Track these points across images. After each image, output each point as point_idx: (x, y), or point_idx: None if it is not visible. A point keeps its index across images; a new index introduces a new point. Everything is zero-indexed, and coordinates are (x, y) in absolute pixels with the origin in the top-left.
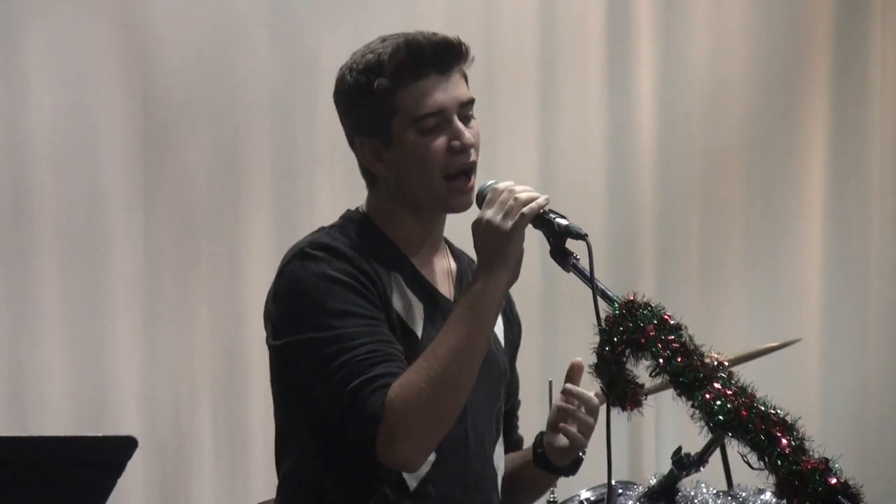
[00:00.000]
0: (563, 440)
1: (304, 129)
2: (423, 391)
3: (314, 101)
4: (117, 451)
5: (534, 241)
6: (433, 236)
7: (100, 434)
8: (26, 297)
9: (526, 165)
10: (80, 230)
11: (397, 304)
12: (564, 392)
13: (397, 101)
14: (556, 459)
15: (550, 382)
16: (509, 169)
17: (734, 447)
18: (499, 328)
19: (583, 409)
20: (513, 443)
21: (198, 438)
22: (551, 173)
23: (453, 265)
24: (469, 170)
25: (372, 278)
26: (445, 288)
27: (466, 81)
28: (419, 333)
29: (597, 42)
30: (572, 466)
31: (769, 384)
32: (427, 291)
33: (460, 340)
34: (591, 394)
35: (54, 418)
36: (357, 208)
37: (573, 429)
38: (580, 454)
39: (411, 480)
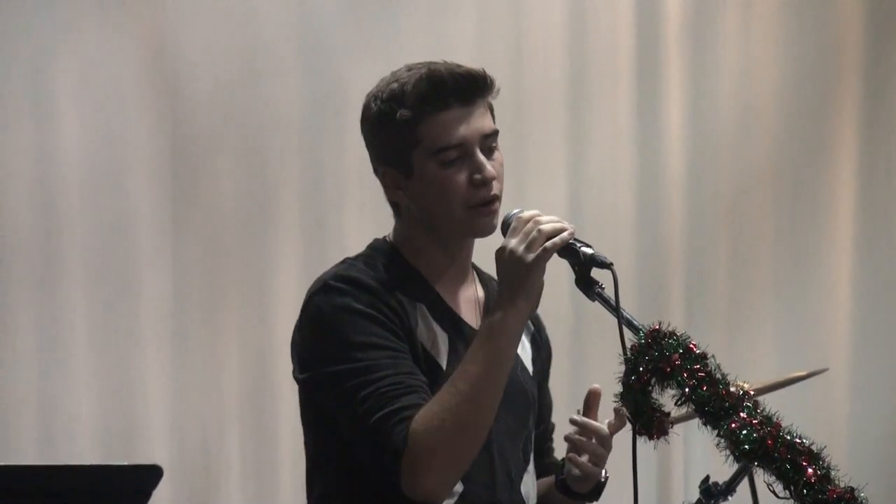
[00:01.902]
0: (575, 470)
1: (332, 156)
2: (444, 422)
3: (342, 129)
4: (143, 479)
5: (562, 269)
6: (458, 264)
7: (126, 463)
8: (55, 325)
9: (555, 193)
10: (108, 258)
11: (422, 335)
12: (572, 423)
13: (419, 132)
14: (576, 486)
15: (578, 411)
16: (538, 197)
17: (762, 476)
18: (526, 355)
19: (594, 440)
20: (547, 466)
21: (226, 467)
22: (580, 201)
23: (480, 293)
24: (491, 200)
25: (396, 310)
26: (471, 317)
27: (492, 112)
28: (444, 365)
29: (626, 70)
30: (594, 492)
31: (797, 413)
32: (452, 321)
33: (480, 371)
34: (603, 423)
35: (82, 447)
36: (385, 237)
37: (584, 459)
38: (601, 479)
39: None
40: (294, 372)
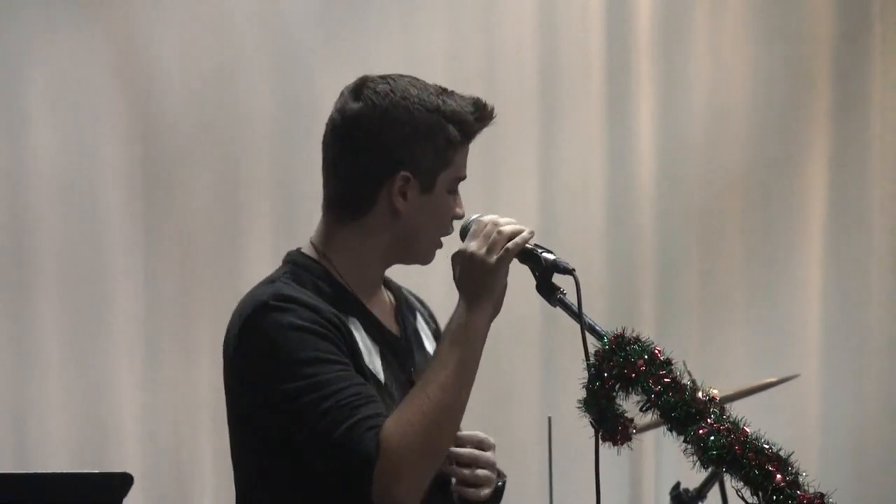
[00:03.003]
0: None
1: (304, 165)
2: (417, 428)
3: (315, 135)
4: (113, 487)
5: (523, 275)
6: (380, 277)
7: (98, 471)
8: (27, 334)
9: (526, 202)
10: (80, 268)
11: (361, 349)
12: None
13: (454, 157)
14: (471, 497)
15: (549, 419)
16: (509, 205)
17: (732, 482)
18: (432, 347)
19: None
20: None
21: (199, 475)
22: (552, 209)
23: (390, 298)
24: None
25: (338, 326)
26: (390, 324)
27: None
28: (382, 377)
29: (597, 79)
30: (494, 499)
31: (768, 419)
32: (381, 333)
33: (449, 376)
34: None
35: (55, 456)
36: (302, 250)
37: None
38: (499, 483)
39: None
40: (233, 401)
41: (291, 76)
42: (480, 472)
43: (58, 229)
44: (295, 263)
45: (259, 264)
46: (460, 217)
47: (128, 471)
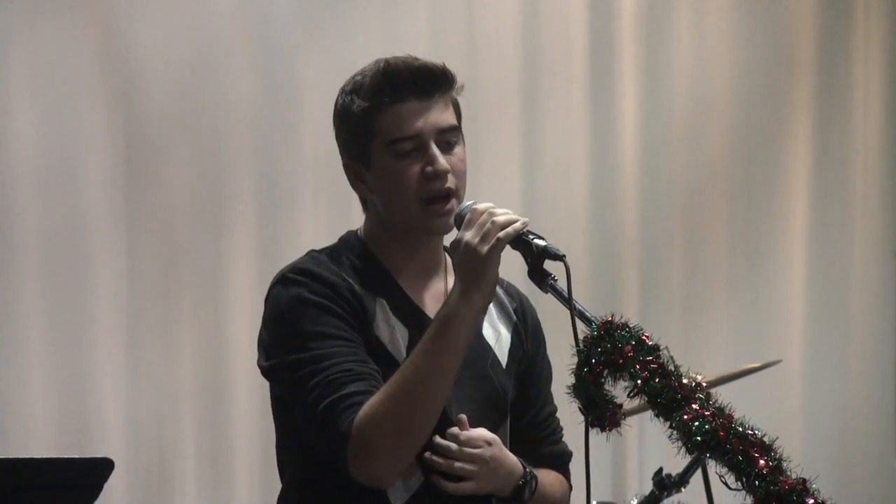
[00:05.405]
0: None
1: (286, 153)
2: (388, 410)
3: (296, 126)
4: (94, 472)
5: (515, 262)
6: (422, 259)
7: (79, 456)
8: (8, 319)
9: (509, 187)
10: (62, 253)
11: (379, 330)
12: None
13: (376, 123)
14: (497, 494)
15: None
16: (493, 191)
17: (714, 468)
18: (502, 347)
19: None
20: (545, 457)
21: (181, 460)
22: (534, 195)
23: (448, 286)
24: (446, 195)
25: (351, 303)
26: (436, 310)
27: (456, 108)
28: (401, 360)
29: (579, 65)
30: (516, 495)
31: (751, 405)
32: (413, 316)
33: (428, 361)
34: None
35: (37, 441)
36: (356, 230)
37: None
38: (519, 482)
39: (397, 502)
40: (258, 361)
41: (273, 65)
42: (457, 464)
43: (39, 218)
44: (342, 240)
45: (240, 251)
46: (432, 174)
47: (109, 456)
